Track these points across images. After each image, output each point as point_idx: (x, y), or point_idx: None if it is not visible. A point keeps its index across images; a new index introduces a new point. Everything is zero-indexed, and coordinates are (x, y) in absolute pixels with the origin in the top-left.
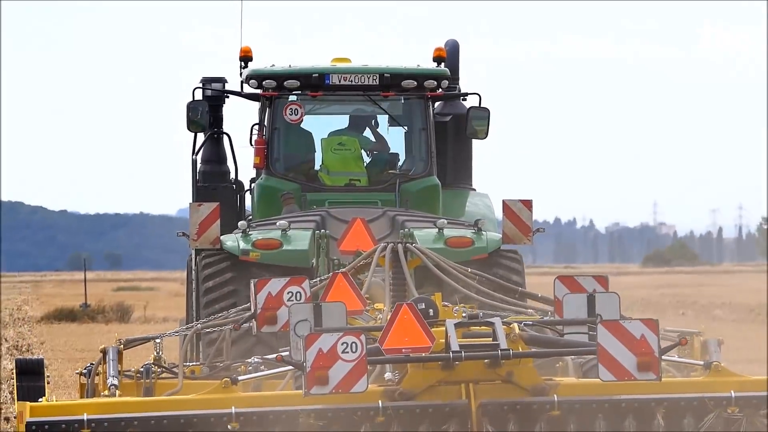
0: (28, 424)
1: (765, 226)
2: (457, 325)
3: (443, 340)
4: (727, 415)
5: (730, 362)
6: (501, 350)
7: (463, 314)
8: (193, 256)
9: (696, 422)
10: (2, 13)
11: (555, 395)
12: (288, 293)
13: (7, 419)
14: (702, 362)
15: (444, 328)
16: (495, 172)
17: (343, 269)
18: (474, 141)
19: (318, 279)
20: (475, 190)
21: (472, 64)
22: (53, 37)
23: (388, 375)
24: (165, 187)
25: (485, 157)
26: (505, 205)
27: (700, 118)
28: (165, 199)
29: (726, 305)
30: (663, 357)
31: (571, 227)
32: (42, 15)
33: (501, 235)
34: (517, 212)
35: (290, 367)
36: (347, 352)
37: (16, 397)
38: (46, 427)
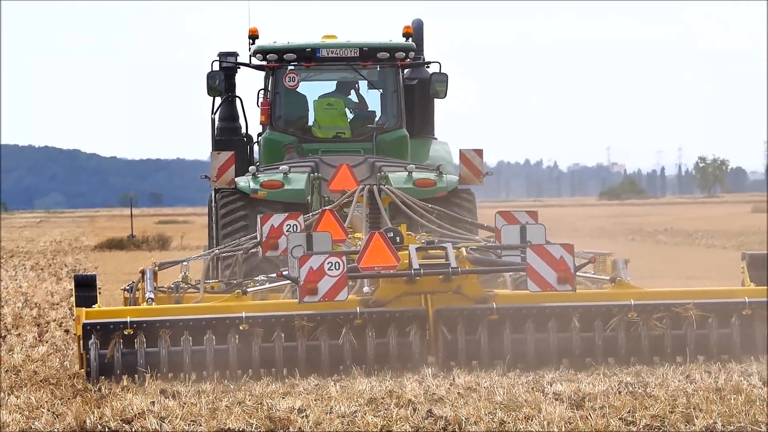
0: (84, 325)
1: (701, 165)
2: (417, 249)
3: (407, 261)
4: (628, 319)
5: (666, 278)
6: (451, 268)
7: (423, 241)
8: (213, 194)
9: (603, 324)
10: None
11: (494, 303)
12: (287, 225)
13: (66, 331)
14: (609, 277)
15: (408, 252)
16: (472, 125)
17: (331, 206)
18: (438, 100)
19: (311, 213)
20: (437, 139)
21: (439, 35)
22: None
23: (365, 288)
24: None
25: (475, 111)
26: (462, 154)
27: (646, 73)
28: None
29: (668, 231)
30: (578, 273)
31: (539, 167)
32: None
33: (458, 178)
34: (470, 159)
35: (288, 282)
36: (332, 270)
37: (75, 305)
38: (98, 327)
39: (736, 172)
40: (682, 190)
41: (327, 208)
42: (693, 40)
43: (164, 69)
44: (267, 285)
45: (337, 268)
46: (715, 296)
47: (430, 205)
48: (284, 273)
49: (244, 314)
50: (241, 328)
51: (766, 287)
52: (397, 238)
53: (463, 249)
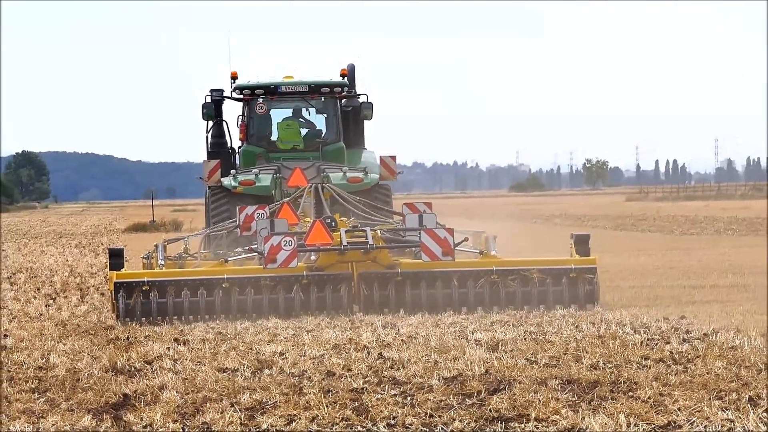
0: (115, 283)
1: (587, 165)
2: (346, 231)
3: (339, 239)
4: (491, 280)
5: (548, 250)
6: (369, 245)
7: (350, 225)
8: (207, 190)
9: (474, 283)
10: None
11: (399, 269)
12: (257, 214)
13: (102, 294)
14: (478, 250)
15: (339, 233)
16: (413, 135)
17: (287, 199)
18: (366, 122)
19: (275, 203)
20: (366, 149)
21: (372, 68)
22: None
23: (312, 257)
24: (202, 146)
25: (415, 123)
26: (381, 159)
27: (543, 89)
28: (202, 153)
29: (562, 216)
30: (457, 248)
31: (464, 167)
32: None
33: (378, 176)
34: (388, 162)
35: (256, 254)
36: (287, 246)
37: (108, 269)
38: (125, 284)
39: (614, 170)
40: (573, 184)
41: (285, 200)
42: (574, 54)
43: (180, 91)
44: (243, 255)
45: (290, 245)
46: (551, 264)
47: (358, 198)
48: (254, 247)
49: (226, 276)
50: (224, 285)
51: (588, 257)
52: (333, 223)
53: (378, 231)
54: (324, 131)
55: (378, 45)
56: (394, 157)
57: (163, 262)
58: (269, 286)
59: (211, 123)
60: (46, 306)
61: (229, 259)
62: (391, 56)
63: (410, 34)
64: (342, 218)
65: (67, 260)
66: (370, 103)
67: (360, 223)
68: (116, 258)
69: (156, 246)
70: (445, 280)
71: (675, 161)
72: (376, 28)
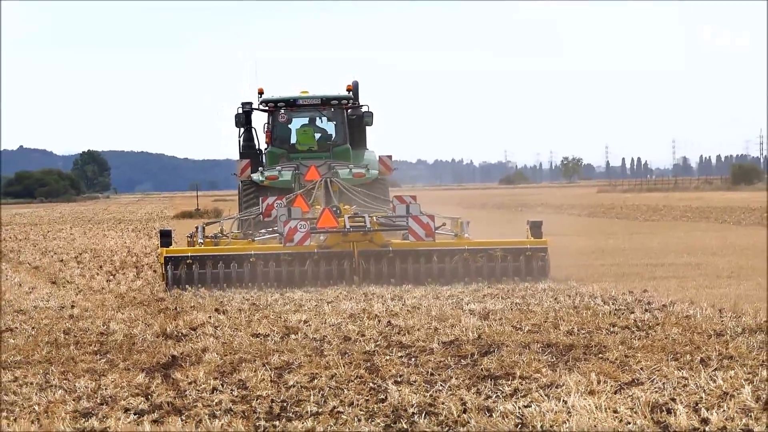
0: (165, 258)
1: (565, 162)
2: (349, 217)
3: (343, 224)
4: (463, 258)
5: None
6: (366, 228)
7: (352, 212)
8: (239, 184)
9: (450, 259)
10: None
11: (390, 247)
12: (277, 203)
13: (155, 271)
14: (454, 233)
15: (343, 219)
16: (419, 135)
17: (302, 190)
18: (368, 127)
19: (291, 194)
20: (368, 149)
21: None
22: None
23: (321, 237)
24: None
25: (421, 125)
26: (380, 157)
27: (527, 98)
28: (237, 153)
29: (543, 204)
30: (437, 231)
31: (461, 164)
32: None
33: (377, 172)
34: (385, 160)
35: (277, 235)
36: (302, 228)
37: (160, 246)
38: (172, 258)
39: (587, 167)
40: (553, 178)
41: (299, 192)
42: (558, 68)
43: (219, 99)
44: (267, 236)
45: (304, 227)
46: (511, 244)
47: (359, 189)
48: (275, 229)
49: (253, 252)
50: (251, 260)
51: (540, 239)
52: (338, 210)
53: (374, 217)
54: (333, 135)
55: (384, 59)
56: (390, 156)
57: (202, 241)
58: (287, 260)
59: (242, 129)
60: (107, 281)
61: (256, 238)
62: (397, 68)
63: (413, 47)
64: (345, 206)
65: (125, 242)
66: (371, 112)
67: (360, 210)
68: (166, 237)
69: (197, 228)
70: (427, 256)
71: (639, 159)
72: (383, 44)
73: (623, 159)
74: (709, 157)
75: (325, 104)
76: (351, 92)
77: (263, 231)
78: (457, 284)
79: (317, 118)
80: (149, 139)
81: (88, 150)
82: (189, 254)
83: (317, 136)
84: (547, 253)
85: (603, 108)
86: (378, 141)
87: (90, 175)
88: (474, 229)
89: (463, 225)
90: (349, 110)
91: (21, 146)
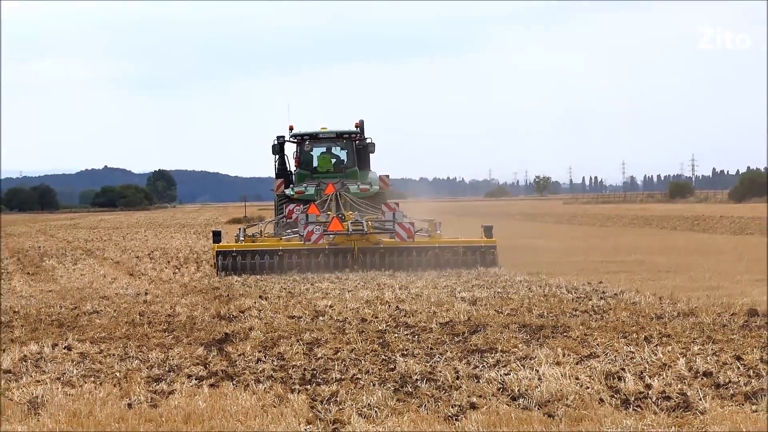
0: (216, 251)
1: (537, 180)
2: (351, 222)
3: (347, 227)
4: (435, 252)
5: (499, 237)
6: (363, 231)
7: (354, 218)
8: (275, 197)
9: (426, 254)
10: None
11: (381, 245)
12: (298, 209)
13: (211, 266)
14: (428, 234)
15: (347, 223)
16: (417, 156)
17: (318, 201)
18: (371, 154)
19: (308, 204)
20: (371, 171)
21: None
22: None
23: (331, 237)
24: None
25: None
26: (380, 176)
27: (506, 120)
28: (273, 173)
29: (520, 214)
30: (416, 232)
31: (454, 181)
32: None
33: (378, 187)
34: (384, 179)
35: (298, 235)
36: (317, 231)
37: (213, 242)
38: (222, 252)
39: (555, 183)
40: (527, 193)
41: (314, 202)
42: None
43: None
44: (291, 235)
45: (318, 231)
46: (470, 243)
47: (362, 201)
48: (296, 230)
49: (281, 247)
50: (279, 253)
51: (491, 239)
52: (343, 217)
53: (370, 222)
54: (345, 160)
55: (390, 101)
56: (387, 176)
57: (243, 239)
58: (306, 254)
59: (277, 156)
60: (173, 273)
61: (282, 237)
62: (404, 111)
63: (419, 98)
64: (349, 213)
65: (188, 243)
66: (373, 143)
67: (359, 216)
68: (217, 236)
69: (240, 229)
70: (408, 251)
71: (596, 177)
72: (389, 88)
73: (583, 177)
74: (652, 176)
75: (339, 137)
76: (358, 128)
77: (289, 231)
78: (432, 271)
79: (333, 148)
80: (208, 159)
81: (159, 169)
82: (234, 249)
83: (333, 161)
84: (497, 249)
85: (567, 135)
86: (381, 164)
87: (160, 189)
88: (449, 230)
89: (436, 225)
90: (356, 141)
91: (106, 166)
